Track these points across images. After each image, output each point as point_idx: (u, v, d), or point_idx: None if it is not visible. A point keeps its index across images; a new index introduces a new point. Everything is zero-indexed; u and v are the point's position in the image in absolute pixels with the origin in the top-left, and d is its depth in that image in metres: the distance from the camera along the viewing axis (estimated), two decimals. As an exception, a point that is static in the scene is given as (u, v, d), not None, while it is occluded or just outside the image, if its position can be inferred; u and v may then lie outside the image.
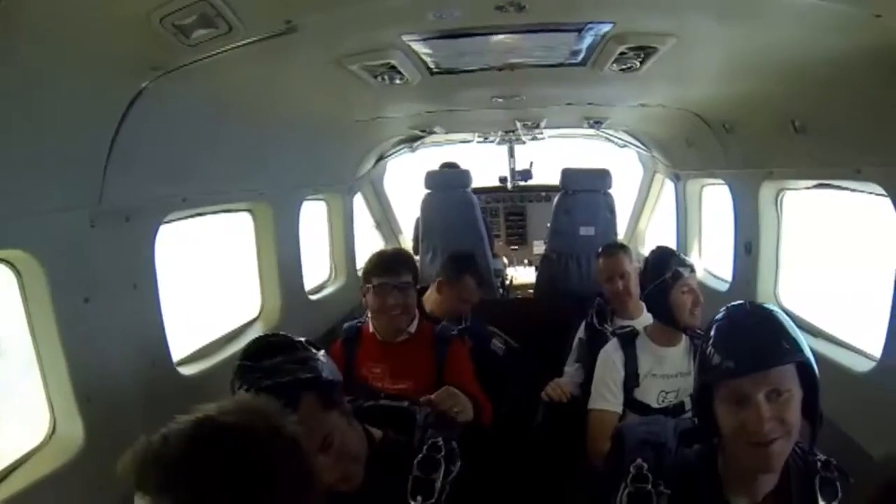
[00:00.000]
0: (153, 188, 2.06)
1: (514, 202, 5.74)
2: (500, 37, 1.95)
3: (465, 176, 4.58)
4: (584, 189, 4.25)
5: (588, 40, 2.00)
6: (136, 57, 1.60)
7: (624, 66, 2.18)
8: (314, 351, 1.50)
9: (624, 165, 5.17)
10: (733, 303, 1.43)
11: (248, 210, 3.07)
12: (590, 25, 1.85)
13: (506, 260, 5.36)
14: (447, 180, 4.54)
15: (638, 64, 2.14)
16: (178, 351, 2.30)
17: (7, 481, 1.60)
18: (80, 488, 1.71)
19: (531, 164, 5.25)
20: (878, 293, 2.09)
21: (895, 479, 0.86)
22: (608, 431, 1.76)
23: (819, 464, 1.37)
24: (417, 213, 4.68)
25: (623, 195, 4.81)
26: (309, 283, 3.71)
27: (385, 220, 5.54)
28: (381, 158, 4.84)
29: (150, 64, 1.65)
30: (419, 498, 1.45)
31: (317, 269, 4.06)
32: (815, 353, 1.33)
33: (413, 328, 2.48)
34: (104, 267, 1.87)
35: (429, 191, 4.46)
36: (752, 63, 2.12)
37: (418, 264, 4.14)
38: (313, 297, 3.78)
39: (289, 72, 2.15)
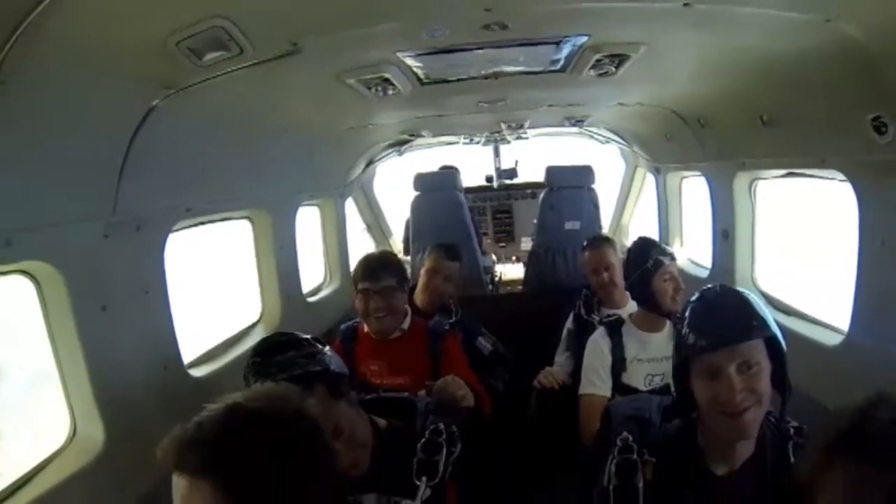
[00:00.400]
0: (161, 199, 2.12)
1: (500, 200, 5.74)
2: (486, 50, 2.04)
3: (452, 177, 4.58)
4: (569, 185, 4.27)
5: (566, 50, 2.11)
6: (150, 77, 1.66)
7: (601, 72, 2.29)
8: (320, 346, 1.57)
9: (607, 161, 5.25)
10: (706, 286, 1.53)
11: (248, 217, 3.12)
12: (567, 38, 1.97)
13: (494, 257, 5.36)
14: (436, 182, 4.53)
15: (614, 69, 2.25)
16: (188, 353, 2.37)
17: (32, 483, 1.66)
18: (102, 486, 1.78)
19: (516, 162, 5.28)
20: (844, 272, 2.19)
21: (845, 427, 0.98)
22: (598, 414, 1.79)
23: (792, 430, 1.44)
24: (407, 214, 4.67)
25: (606, 190, 4.84)
26: (306, 285, 3.74)
27: (376, 223, 5.55)
28: (370, 163, 4.88)
29: (163, 83, 1.71)
30: (424, 478, 1.52)
31: (312, 273, 4.09)
32: (788, 329, 1.41)
33: (406, 325, 2.52)
34: (118, 275, 1.92)
35: (418, 193, 4.46)
36: (722, 64, 2.22)
37: (409, 265, 4.18)
38: (311, 300, 3.81)
39: (291, 87, 2.22)
